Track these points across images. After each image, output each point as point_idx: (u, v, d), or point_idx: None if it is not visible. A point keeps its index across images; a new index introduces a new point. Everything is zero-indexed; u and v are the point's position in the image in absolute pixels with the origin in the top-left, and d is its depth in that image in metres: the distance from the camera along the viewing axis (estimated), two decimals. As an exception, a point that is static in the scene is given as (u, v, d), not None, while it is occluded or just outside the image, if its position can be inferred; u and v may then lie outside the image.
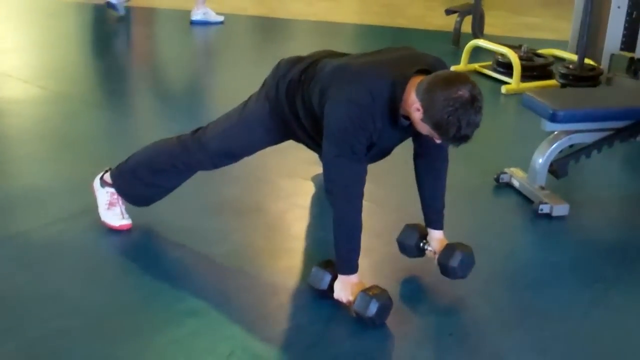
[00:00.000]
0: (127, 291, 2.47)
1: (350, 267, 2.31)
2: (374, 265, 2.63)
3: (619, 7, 4.85)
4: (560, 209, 3.05)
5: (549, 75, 4.88)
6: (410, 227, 2.59)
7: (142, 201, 2.78)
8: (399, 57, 2.29)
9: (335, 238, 2.30)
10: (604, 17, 4.94)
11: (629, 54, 4.88)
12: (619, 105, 3.06)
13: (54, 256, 2.62)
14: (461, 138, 2.10)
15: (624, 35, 4.89)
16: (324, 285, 2.37)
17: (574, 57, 5.13)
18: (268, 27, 6.60)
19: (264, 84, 2.57)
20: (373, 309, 2.24)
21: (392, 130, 2.27)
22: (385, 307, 2.27)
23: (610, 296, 2.54)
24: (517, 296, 2.54)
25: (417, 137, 2.37)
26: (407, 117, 2.22)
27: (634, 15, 4.84)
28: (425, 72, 2.20)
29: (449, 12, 5.83)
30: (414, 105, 2.14)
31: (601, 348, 2.27)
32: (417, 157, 2.49)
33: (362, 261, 2.34)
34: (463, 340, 2.28)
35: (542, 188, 3.17)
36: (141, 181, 2.70)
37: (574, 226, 3.03)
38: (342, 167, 2.23)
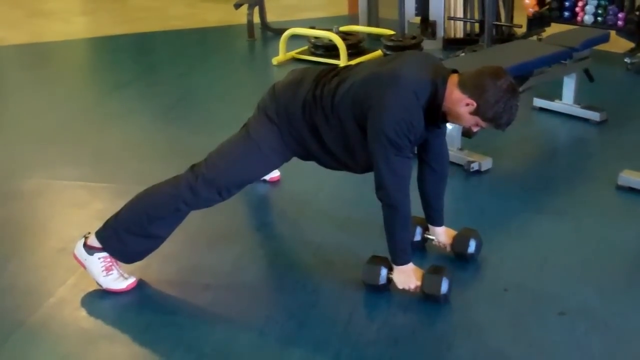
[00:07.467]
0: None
1: (408, 255, 2.45)
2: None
3: (409, -21, 5.41)
4: (487, 164, 3.45)
5: (363, 51, 5.26)
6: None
7: (137, 257, 2.60)
8: (418, 60, 2.42)
9: (393, 231, 2.41)
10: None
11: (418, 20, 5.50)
12: (512, 64, 3.49)
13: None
14: (510, 123, 2.34)
15: (416, 2, 5.48)
16: (383, 280, 2.48)
17: (370, 30, 5.64)
18: (38, 55, 6.03)
19: (262, 110, 2.52)
20: (445, 286, 2.42)
21: (424, 127, 2.40)
22: (451, 282, 2.46)
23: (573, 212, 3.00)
24: (520, 243, 2.85)
25: (429, 139, 2.53)
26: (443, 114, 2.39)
27: (422, -16, 5.45)
28: (454, 71, 2.38)
29: (237, 6, 5.92)
30: (462, 101, 2.30)
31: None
32: (422, 162, 2.62)
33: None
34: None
35: (461, 149, 3.53)
36: (137, 235, 2.52)
37: (503, 175, 3.44)
38: (399, 165, 2.33)
